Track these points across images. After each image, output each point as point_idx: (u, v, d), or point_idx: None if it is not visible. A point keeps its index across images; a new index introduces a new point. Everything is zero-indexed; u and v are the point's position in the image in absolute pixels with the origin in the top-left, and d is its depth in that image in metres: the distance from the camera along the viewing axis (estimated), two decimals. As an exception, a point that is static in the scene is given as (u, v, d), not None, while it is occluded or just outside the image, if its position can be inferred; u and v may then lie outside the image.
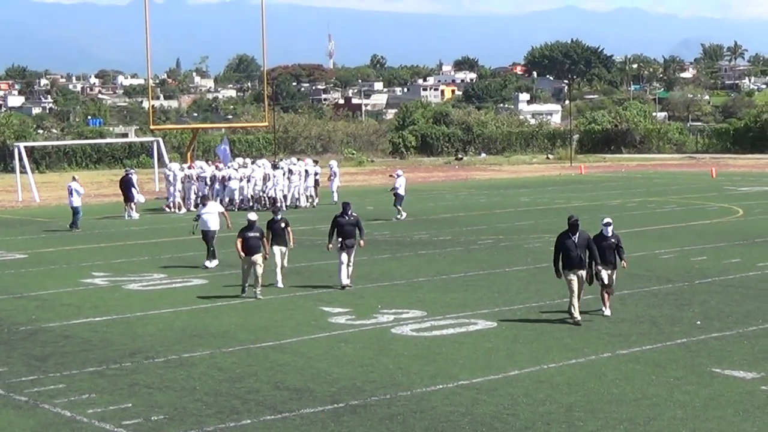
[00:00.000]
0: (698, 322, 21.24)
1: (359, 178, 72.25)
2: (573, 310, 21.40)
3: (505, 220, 42.85)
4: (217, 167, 51.79)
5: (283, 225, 26.97)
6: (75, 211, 42.85)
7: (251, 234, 25.67)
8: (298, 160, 53.89)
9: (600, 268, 21.72)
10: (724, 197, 51.00)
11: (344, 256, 26.32)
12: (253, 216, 26.13)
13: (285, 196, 50.37)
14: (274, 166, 51.99)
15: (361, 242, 26.98)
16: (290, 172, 50.79)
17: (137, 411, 15.91)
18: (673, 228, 38.39)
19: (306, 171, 51.41)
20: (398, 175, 45.41)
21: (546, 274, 28.20)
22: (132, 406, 16.15)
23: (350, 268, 26.54)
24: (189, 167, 52.75)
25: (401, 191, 44.83)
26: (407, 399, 16.23)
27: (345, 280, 26.31)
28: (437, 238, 36.91)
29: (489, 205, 50.13)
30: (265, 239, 26.04)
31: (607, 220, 22.75)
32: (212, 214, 31.46)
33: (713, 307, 22.97)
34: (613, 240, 22.37)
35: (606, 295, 22.18)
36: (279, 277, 26.83)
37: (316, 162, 56.94)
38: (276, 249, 26.71)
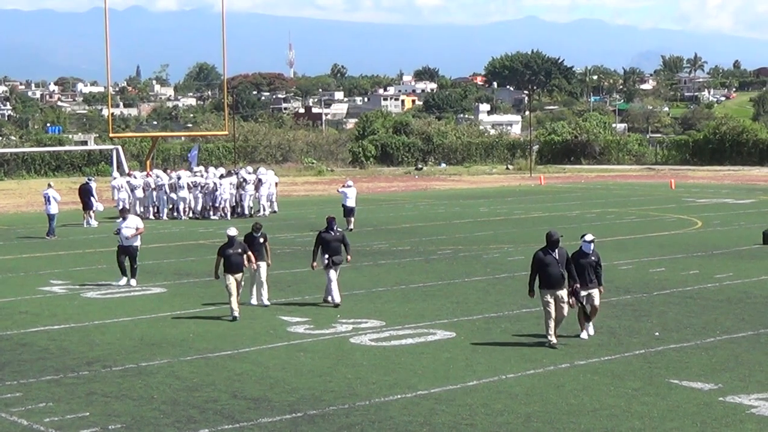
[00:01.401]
0: (656, 334, 21.34)
1: (319, 188, 72.22)
2: (549, 334, 20.10)
3: (465, 230, 42.92)
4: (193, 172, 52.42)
5: (261, 240, 25.50)
6: (52, 218, 42.57)
7: (232, 251, 23.90)
8: (255, 170, 53.76)
9: (578, 286, 20.34)
10: (683, 209, 51.32)
11: (333, 273, 25.05)
12: (232, 231, 24.32)
13: (237, 205, 50.54)
14: (229, 173, 52.19)
15: (348, 258, 25.81)
16: (244, 181, 50.79)
17: (94, 420, 15.80)
18: (632, 239, 38.60)
19: (259, 180, 51.32)
20: (348, 186, 44.36)
21: (504, 284, 28.31)
22: (89, 415, 16.05)
23: (336, 285, 25.29)
24: (147, 175, 52.72)
25: (349, 203, 43.53)
26: (365, 409, 16.21)
27: (338, 298, 24.96)
28: (396, 248, 36.94)
29: (448, 215, 50.21)
30: (249, 254, 24.33)
31: (590, 237, 21.12)
32: (132, 230, 29.18)
33: (671, 318, 23.08)
34: (593, 258, 20.91)
35: (584, 317, 20.85)
36: (254, 294, 25.48)
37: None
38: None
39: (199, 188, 50.38)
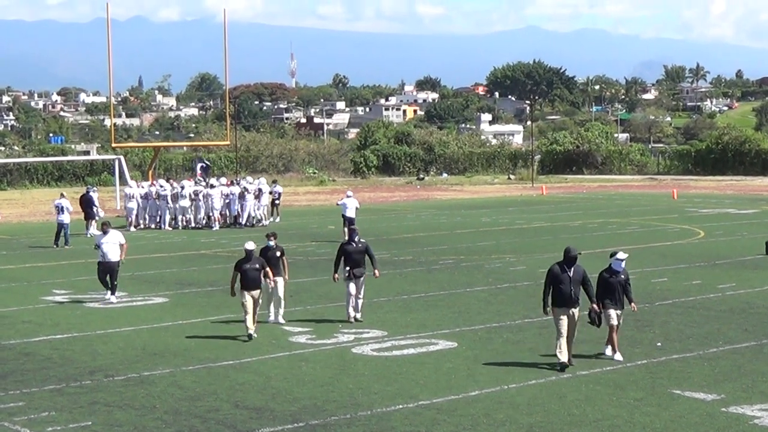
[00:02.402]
0: (659, 344, 21.33)
1: (320, 198, 72.26)
2: (559, 353, 19.14)
3: (466, 240, 42.92)
4: (196, 182, 52.44)
5: (278, 254, 24.45)
6: (64, 228, 42.58)
7: (249, 266, 22.76)
8: (255, 179, 53.82)
9: (594, 306, 19.61)
10: (686, 219, 51.31)
11: (352, 287, 24.27)
12: (250, 245, 23.14)
13: (235, 216, 50.62)
14: (231, 183, 52.36)
15: (376, 272, 24.96)
16: (246, 191, 50.82)
17: (97, 429, 15.81)
18: (634, 249, 38.55)
19: (260, 189, 51.31)
20: (348, 197, 43.86)
21: (506, 294, 28.31)
22: (92, 425, 16.05)
23: (360, 300, 24.47)
24: (150, 185, 52.77)
25: (349, 213, 42.96)
26: (367, 419, 16.21)
27: (352, 312, 24.30)
28: (398, 258, 36.93)
29: (450, 225, 50.21)
30: (267, 270, 23.26)
31: (622, 255, 20.16)
32: (113, 245, 28.00)
33: (674, 328, 23.08)
34: (623, 277, 20.09)
35: (614, 337, 20.02)
36: (272, 311, 24.42)
37: (275, 182, 57.09)
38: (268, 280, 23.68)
39: (201, 198, 50.41)
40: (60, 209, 43.02)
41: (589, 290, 19.54)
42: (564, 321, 19.20)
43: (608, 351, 20.10)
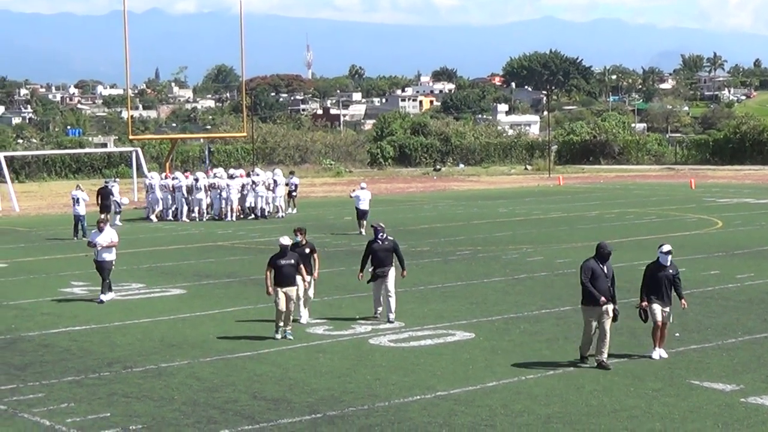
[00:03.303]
0: (677, 334, 21.27)
1: (337, 189, 72.27)
2: (585, 349, 18.94)
3: (483, 231, 42.88)
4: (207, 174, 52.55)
5: (307, 251, 23.50)
6: (81, 219, 42.66)
7: (284, 261, 21.64)
8: (272, 171, 53.84)
9: (617, 308, 18.86)
10: (704, 209, 51.18)
11: (375, 287, 23.46)
12: (285, 240, 22.14)
13: (251, 207, 50.61)
14: (248, 174, 52.31)
15: (402, 273, 23.98)
16: (254, 183, 50.81)
17: (116, 420, 15.86)
18: (652, 239, 38.45)
19: (275, 181, 51.30)
20: (361, 188, 43.62)
21: (523, 285, 28.27)
22: (110, 416, 16.10)
23: (391, 299, 23.22)
24: (166, 177, 52.89)
25: (362, 205, 42.69)
26: (385, 410, 16.22)
27: (381, 310, 23.49)
28: (415, 248, 36.90)
29: (467, 216, 50.17)
30: (302, 267, 22.26)
31: (667, 247, 19.36)
32: (108, 241, 27.33)
33: (692, 319, 23.01)
34: (671, 271, 19.26)
35: (659, 335, 19.28)
36: (302, 311, 23.27)
37: (292, 173, 57.15)
38: (298, 278, 22.37)
39: (219, 190, 50.45)
40: (76, 201, 43.11)
41: (613, 290, 18.94)
42: (594, 322, 18.64)
43: (657, 352, 19.26)
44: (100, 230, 27.41)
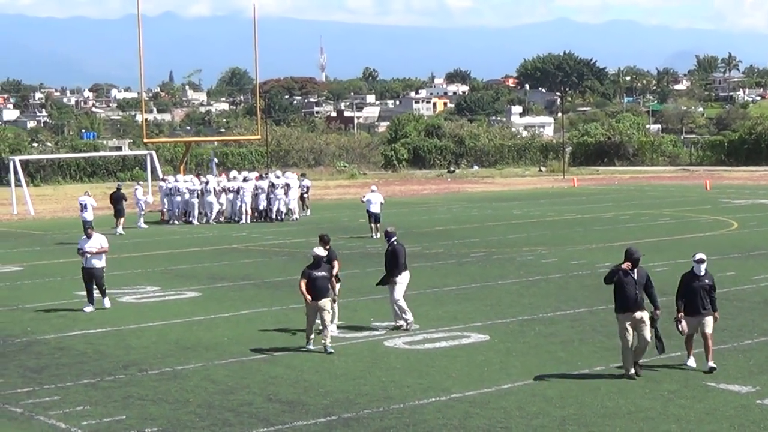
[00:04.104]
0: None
1: (351, 191, 72.29)
2: (627, 365, 18.01)
3: (498, 233, 42.85)
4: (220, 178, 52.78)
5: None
6: (89, 225, 42.41)
7: (318, 273, 20.82)
8: (283, 174, 53.93)
9: (658, 313, 18.16)
10: (719, 210, 51.05)
11: (389, 291, 22.87)
12: (320, 251, 21.25)
13: (265, 210, 50.66)
14: (260, 177, 52.42)
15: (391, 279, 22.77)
16: (272, 185, 50.84)
17: (131, 423, 15.89)
18: (667, 241, 38.42)
19: (287, 184, 51.27)
20: (372, 191, 43.29)
21: (538, 287, 28.22)
22: (126, 419, 16.13)
23: (396, 306, 22.58)
24: (175, 180, 53.06)
25: (374, 209, 42.29)
26: (400, 412, 16.22)
27: (395, 318, 22.73)
28: (429, 251, 36.90)
29: (481, 218, 50.13)
30: (334, 279, 21.64)
31: (700, 255, 18.64)
32: (96, 248, 26.39)
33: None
34: (707, 281, 18.46)
35: (705, 347, 18.31)
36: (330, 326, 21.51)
37: (303, 175, 57.20)
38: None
39: (232, 193, 50.53)
40: (83, 206, 43.09)
41: (652, 294, 18.21)
42: (630, 331, 17.91)
43: (710, 363, 18.20)
44: (88, 237, 26.64)
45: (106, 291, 26.60)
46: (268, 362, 19.78)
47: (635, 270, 18.06)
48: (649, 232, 41.34)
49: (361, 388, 17.72)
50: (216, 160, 64.66)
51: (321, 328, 20.69)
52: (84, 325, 24.10)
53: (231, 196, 50.68)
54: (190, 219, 50.22)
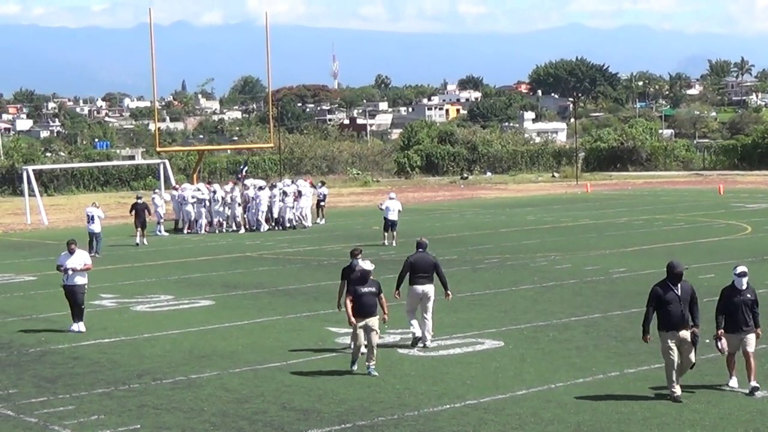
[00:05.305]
0: (707, 341, 21.10)
1: (365, 198, 72.33)
2: (673, 386, 16.98)
3: (511, 239, 42.81)
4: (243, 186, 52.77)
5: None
6: (97, 237, 42.30)
7: (365, 289, 19.52)
8: (292, 182, 53.99)
9: (697, 330, 17.20)
10: (732, 214, 50.96)
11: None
12: (367, 265, 20.10)
13: (281, 218, 50.65)
14: (272, 186, 52.35)
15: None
16: (284, 194, 50.82)
17: (145, 433, 15.92)
18: (681, 246, 38.34)
19: (299, 192, 51.25)
20: (391, 198, 43.07)
21: (552, 293, 28.19)
22: (140, 428, 16.15)
23: (428, 323, 21.55)
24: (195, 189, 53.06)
25: (391, 216, 41.90)
26: (414, 419, 16.20)
27: (418, 332, 21.43)
28: (443, 257, 36.77)
29: (495, 224, 50.11)
30: (382, 296, 19.87)
31: (742, 269, 17.65)
32: (80, 265, 25.34)
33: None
34: (749, 296, 17.59)
35: (744, 364, 17.46)
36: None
37: (323, 183, 57.21)
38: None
39: (246, 201, 50.55)
40: (90, 218, 42.77)
41: (695, 311, 17.25)
42: (675, 350, 16.97)
43: (753, 382, 17.27)
44: (71, 252, 25.37)
45: (84, 311, 25.13)
46: (282, 370, 19.78)
47: (678, 285, 17.25)
48: (664, 237, 41.26)
49: (376, 395, 17.71)
50: (246, 168, 64.71)
51: (366, 350, 19.40)
52: (98, 334, 24.13)
53: (252, 203, 50.45)
54: (197, 229, 50.05)
